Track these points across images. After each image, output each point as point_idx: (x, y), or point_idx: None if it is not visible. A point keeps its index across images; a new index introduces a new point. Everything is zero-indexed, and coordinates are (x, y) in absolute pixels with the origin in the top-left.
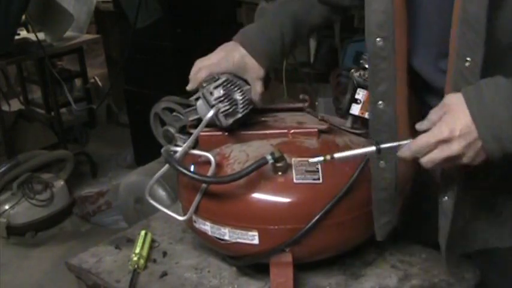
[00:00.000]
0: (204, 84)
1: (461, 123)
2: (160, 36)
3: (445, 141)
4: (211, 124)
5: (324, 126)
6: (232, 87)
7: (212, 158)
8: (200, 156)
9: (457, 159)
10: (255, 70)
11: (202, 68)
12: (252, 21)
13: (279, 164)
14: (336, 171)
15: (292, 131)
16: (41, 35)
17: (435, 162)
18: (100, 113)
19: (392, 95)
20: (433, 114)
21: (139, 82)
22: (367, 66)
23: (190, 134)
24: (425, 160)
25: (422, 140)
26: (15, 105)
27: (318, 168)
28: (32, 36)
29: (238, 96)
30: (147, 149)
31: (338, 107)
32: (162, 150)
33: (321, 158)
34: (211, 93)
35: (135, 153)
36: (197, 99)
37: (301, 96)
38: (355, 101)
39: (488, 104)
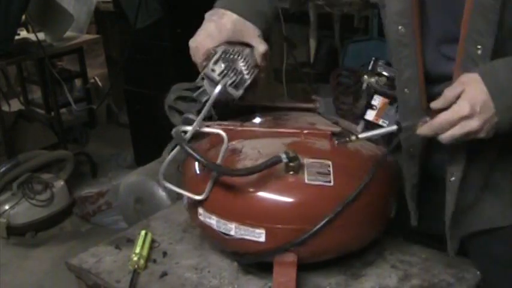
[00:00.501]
0: (204, 64)
1: (480, 99)
2: (160, 36)
3: (467, 117)
4: (223, 100)
5: (337, 129)
6: (232, 56)
7: (224, 134)
8: (212, 133)
9: (475, 134)
10: (251, 31)
11: (197, 46)
12: None
13: (292, 164)
14: (346, 174)
15: (306, 131)
16: (41, 35)
17: (455, 137)
18: (100, 113)
19: (415, 80)
20: (448, 92)
21: (139, 82)
22: (384, 73)
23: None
24: (445, 136)
25: (443, 117)
26: (15, 105)
27: (329, 171)
28: (32, 36)
29: (240, 63)
30: (147, 149)
31: (338, 107)
32: (173, 132)
33: (346, 139)
34: (213, 70)
35: (135, 153)
36: (203, 78)
37: (313, 97)
38: (371, 106)
39: (504, 82)
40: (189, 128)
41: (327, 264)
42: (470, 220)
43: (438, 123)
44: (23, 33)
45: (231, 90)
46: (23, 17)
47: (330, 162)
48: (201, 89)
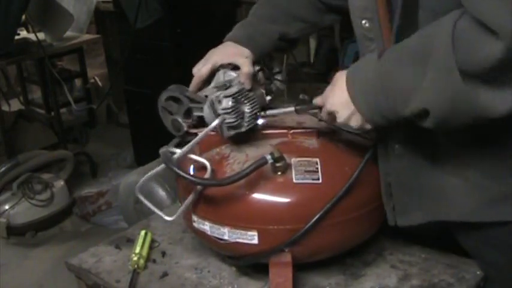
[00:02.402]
0: (215, 90)
1: (338, 98)
2: (160, 36)
3: (330, 113)
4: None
5: (323, 127)
6: (243, 99)
7: (208, 164)
8: (197, 161)
9: (348, 125)
10: (238, 52)
11: (196, 70)
12: None
13: (278, 164)
14: (335, 171)
15: (292, 131)
16: (41, 35)
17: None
18: (100, 113)
19: None
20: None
21: (139, 82)
22: None
23: (191, 134)
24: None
25: (322, 113)
26: (15, 105)
27: (317, 168)
28: (32, 36)
29: (246, 109)
30: (147, 149)
31: None
32: (160, 152)
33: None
34: (219, 102)
35: (135, 153)
36: (206, 96)
37: (300, 96)
38: None
39: (360, 80)
40: (177, 151)
41: (327, 264)
42: (439, 207)
43: (322, 117)
44: (23, 33)
45: (224, 128)
46: (23, 17)
47: (317, 160)
48: (198, 105)
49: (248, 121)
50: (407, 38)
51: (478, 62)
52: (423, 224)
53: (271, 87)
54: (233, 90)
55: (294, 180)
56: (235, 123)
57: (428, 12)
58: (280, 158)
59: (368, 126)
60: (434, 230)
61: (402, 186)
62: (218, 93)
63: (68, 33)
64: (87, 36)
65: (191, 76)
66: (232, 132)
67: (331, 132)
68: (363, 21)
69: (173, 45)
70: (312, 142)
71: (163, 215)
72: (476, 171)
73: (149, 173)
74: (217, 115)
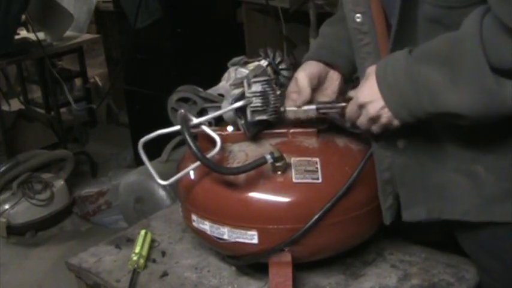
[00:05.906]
0: (232, 88)
1: (369, 91)
2: (160, 36)
3: (362, 106)
4: (231, 120)
5: (323, 126)
6: (269, 89)
7: (218, 140)
8: (208, 134)
9: (378, 119)
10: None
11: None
12: (251, 21)
13: (278, 164)
14: (335, 170)
15: (292, 130)
16: (41, 35)
17: (364, 124)
18: (100, 112)
19: None
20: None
21: (139, 82)
22: None
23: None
24: (358, 123)
25: (349, 106)
26: (15, 105)
27: (317, 168)
28: (32, 36)
29: (271, 98)
30: (147, 149)
31: None
32: (179, 113)
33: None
34: (249, 85)
35: (135, 153)
36: (221, 94)
37: None
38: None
39: (390, 78)
40: (194, 119)
41: (327, 264)
42: (443, 205)
43: (347, 111)
44: (23, 33)
45: (248, 111)
46: (23, 16)
47: (317, 159)
48: (214, 104)
49: (271, 110)
50: (407, 32)
51: (507, 61)
52: (425, 224)
53: (280, 80)
54: (263, 78)
55: (294, 180)
56: (260, 108)
57: (429, 7)
58: (280, 158)
59: (396, 123)
60: (436, 231)
61: (405, 181)
62: (248, 78)
63: (68, 33)
64: (87, 36)
65: (191, 76)
66: (255, 118)
67: (331, 132)
68: (357, 15)
69: (173, 45)
70: (312, 142)
71: (157, 177)
72: (483, 167)
73: (161, 131)
74: (243, 98)
